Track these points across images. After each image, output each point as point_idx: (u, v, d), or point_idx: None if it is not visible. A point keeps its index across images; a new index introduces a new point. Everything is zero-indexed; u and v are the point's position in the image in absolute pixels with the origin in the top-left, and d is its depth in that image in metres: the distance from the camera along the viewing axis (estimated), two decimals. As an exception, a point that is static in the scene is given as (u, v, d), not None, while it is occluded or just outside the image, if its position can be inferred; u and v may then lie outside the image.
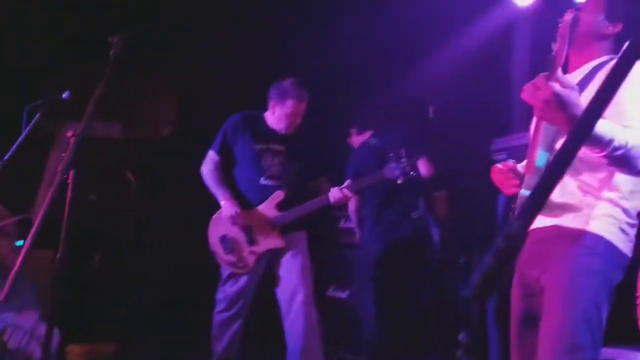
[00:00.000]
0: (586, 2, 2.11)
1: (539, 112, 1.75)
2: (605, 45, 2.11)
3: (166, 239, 4.63)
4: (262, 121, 3.65)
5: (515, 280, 2.18)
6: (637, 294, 2.98)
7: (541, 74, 1.76)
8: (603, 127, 1.72)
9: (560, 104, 1.68)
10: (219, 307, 3.55)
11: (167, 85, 4.89)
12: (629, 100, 1.88)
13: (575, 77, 2.09)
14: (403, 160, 3.32)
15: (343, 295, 4.75)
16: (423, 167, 4.20)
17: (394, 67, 5.00)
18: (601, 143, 1.73)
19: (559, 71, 1.79)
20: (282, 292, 3.52)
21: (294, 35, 4.79)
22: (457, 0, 4.76)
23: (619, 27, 2.08)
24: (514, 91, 5.03)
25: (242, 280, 3.51)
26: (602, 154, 1.76)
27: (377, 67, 5.06)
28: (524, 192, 2.05)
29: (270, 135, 3.60)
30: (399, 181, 3.36)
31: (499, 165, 2.20)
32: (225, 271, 3.56)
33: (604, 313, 1.96)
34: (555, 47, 1.92)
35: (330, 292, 4.83)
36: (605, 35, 2.10)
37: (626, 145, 1.74)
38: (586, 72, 2.08)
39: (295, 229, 3.57)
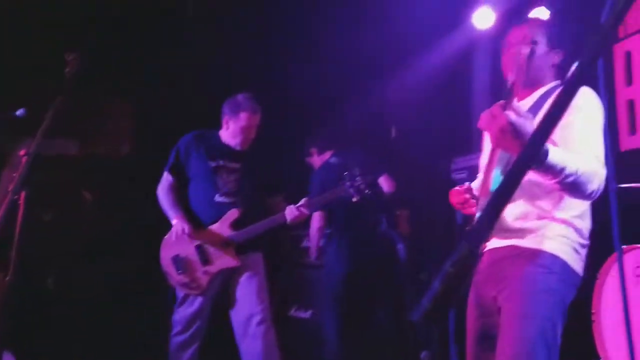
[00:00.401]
0: (533, 33, 2.16)
1: (494, 140, 1.80)
2: (552, 72, 2.20)
3: (123, 258, 4.54)
4: (216, 138, 3.62)
5: (472, 300, 2.20)
6: (592, 311, 3.05)
7: (498, 103, 1.81)
8: (555, 155, 1.77)
9: (515, 132, 1.72)
10: (175, 329, 3.47)
11: (125, 102, 4.81)
12: (577, 126, 1.95)
13: (525, 104, 2.15)
14: (358, 178, 3.32)
15: (305, 315, 4.71)
16: (385, 184, 4.24)
17: (356, 86, 5.04)
18: (554, 171, 1.78)
19: (515, 100, 1.84)
20: (238, 314, 3.46)
21: (252, 54, 4.80)
22: (419, 23, 4.85)
23: (561, 54, 2.18)
24: (474, 111, 5.14)
25: (198, 301, 3.43)
26: (554, 180, 1.81)
27: (339, 86, 5.09)
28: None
29: (225, 152, 3.56)
30: (354, 199, 3.36)
31: (457, 188, 2.24)
32: (180, 293, 3.49)
33: (559, 330, 2.00)
34: (511, 78, 1.98)
35: (293, 312, 4.79)
36: (553, 64, 2.19)
37: (577, 172, 1.80)
38: (535, 98, 2.15)
39: (252, 250, 3.52)
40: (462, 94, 4.85)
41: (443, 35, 4.98)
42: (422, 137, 4.79)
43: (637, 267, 2.80)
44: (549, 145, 1.77)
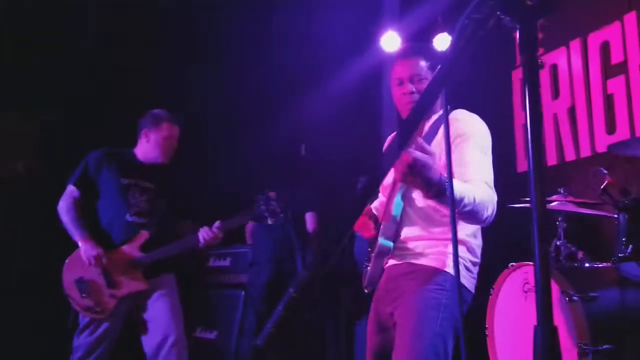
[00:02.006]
0: (418, 69, 2.21)
1: (398, 174, 1.84)
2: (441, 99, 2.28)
3: (23, 281, 4.29)
4: (130, 156, 3.50)
5: (371, 317, 2.26)
6: (486, 325, 3.17)
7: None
8: (454, 187, 1.84)
9: (418, 168, 1.78)
10: (76, 354, 3.29)
11: (23, 119, 4.57)
12: (469, 154, 2.04)
13: (419, 130, 2.23)
14: (273, 202, 3.28)
15: (211, 336, 4.60)
16: (310, 222, 4.27)
17: (269, 107, 5.07)
18: (454, 203, 1.85)
19: (419, 138, 1.89)
20: (151, 336, 3.32)
21: (163, 73, 4.72)
22: (330, 45, 4.96)
23: None
24: (382, 130, 5.27)
25: (103, 326, 3.28)
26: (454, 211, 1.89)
27: (251, 107, 5.10)
28: (383, 241, 2.15)
29: (139, 170, 3.45)
30: (269, 222, 3.32)
31: None
32: (85, 318, 3.33)
33: (450, 345, 2.07)
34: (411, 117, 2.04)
35: (198, 333, 4.68)
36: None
37: (474, 201, 1.88)
38: (428, 127, 2.23)
39: (163, 271, 3.42)
40: (371, 114, 4.97)
41: (354, 57, 5.10)
42: (331, 155, 4.86)
43: (526, 283, 2.94)
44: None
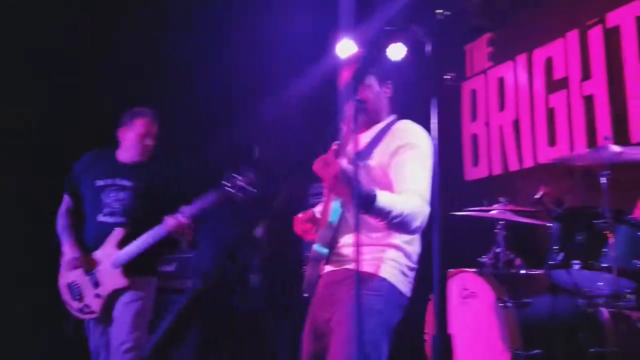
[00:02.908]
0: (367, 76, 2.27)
1: (327, 185, 1.90)
2: (387, 105, 2.34)
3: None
4: (111, 156, 3.46)
5: (307, 323, 2.26)
6: (425, 330, 3.25)
7: (332, 149, 1.90)
8: (382, 199, 1.91)
9: (346, 180, 1.83)
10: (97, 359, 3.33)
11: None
12: (408, 165, 2.10)
13: (366, 136, 2.28)
14: (238, 179, 3.15)
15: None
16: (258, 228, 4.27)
17: (228, 109, 5.07)
18: (382, 213, 1.93)
19: (349, 148, 1.93)
20: (113, 336, 3.28)
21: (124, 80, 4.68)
22: (288, 51, 5.00)
23: (391, 86, 2.33)
24: (337, 136, 5.32)
25: (97, 330, 3.30)
26: (383, 222, 1.94)
27: (211, 109, 5.09)
28: (317, 247, 2.18)
29: (117, 169, 3.39)
30: (239, 198, 3.19)
31: (300, 215, 2.31)
32: (87, 322, 3.35)
33: (385, 350, 2.11)
34: (344, 129, 2.09)
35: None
36: (387, 97, 2.33)
37: (402, 213, 1.94)
38: (376, 132, 2.28)
39: (142, 273, 3.34)
40: (326, 119, 5.00)
41: (310, 63, 5.14)
42: (285, 159, 4.89)
43: (463, 289, 3.03)
44: (377, 191, 1.91)
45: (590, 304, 2.79)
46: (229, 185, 3.15)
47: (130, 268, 3.27)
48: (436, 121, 1.00)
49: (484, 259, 3.43)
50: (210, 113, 5.14)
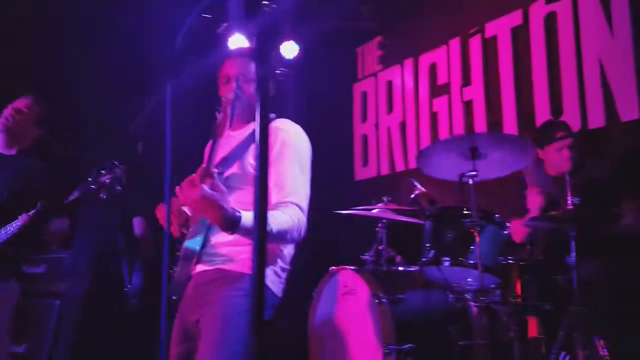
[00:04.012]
0: (240, 71, 2.22)
1: (189, 204, 1.86)
2: None
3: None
4: None
5: (176, 325, 2.18)
6: (308, 328, 3.27)
7: (199, 170, 1.84)
8: (247, 221, 1.87)
9: (208, 205, 1.80)
10: None
11: None
12: (287, 168, 2.08)
13: (240, 134, 2.24)
14: (103, 175, 3.04)
15: (19, 349, 4.20)
16: (137, 227, 4.10)
17: (111, 107, 4.86)
18: (248, 234, 1.89)
19: (215, 173, 1.88)
20: None
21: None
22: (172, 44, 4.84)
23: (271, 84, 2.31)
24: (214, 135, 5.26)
25: None
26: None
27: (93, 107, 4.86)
28: (188, 244, 2.11)
29: None
30: (101, 195, 3.04)
31: (163, 204, 2.22)
32: None
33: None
34: (219, 117, 2.04)
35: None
36: None
37: (271, 232, 1.92)
38: (249, 131, 2.24)
39: (3, 277, 3.13)
40: (215, 117, 4.92)
41: (202, 58, 5.03)
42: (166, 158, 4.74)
43: (344, 286, 3.08)
44: (242, 213, 1.88)
45: (459, 298, 2.93)
46: (92, 181, 3.01)
47: None
48: (259, 118, 0.98)
49: (366, 256, 3.50)
50: (92, 110, 4.91)
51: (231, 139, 2.25)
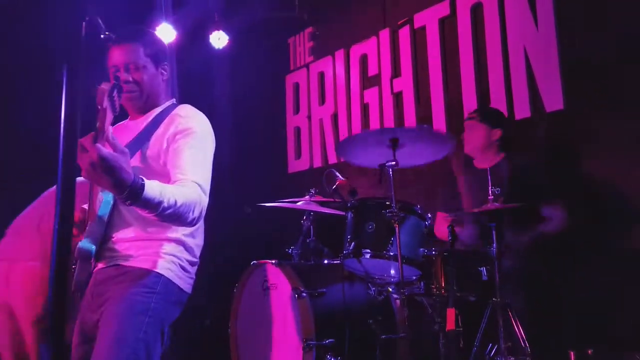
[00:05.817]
0: (136, 57, 2.08)
1: (85, 173, 1.64)
2: (165, 89, 2.19)
3: None
4: None
5: (77, 326, 2.05)
6: (229, 324, 3.16)
7: (90, 134, 1.66)
8: (152, 189, 1.72)
9: (107, 168, 1.61)
10: None
11: None
12: (186, 153, 1.95)
13: (138, 124, 2.11)
14: None
15: None
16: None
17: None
18: (151, 205, 1.74)
19: (110, 132, 1.71)
20: None
21: None
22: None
23: (168, 68, 2.19)
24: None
25: None
26: (152, 214, 1.77)
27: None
28: (83, 245, 1.96)
29: None
30: None
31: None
32: None
33: (157, 350, 1.96)
34: (99, 111, 1.82)
35: None
36: (163, 80, 2.18)
37: (175, 204, 1.78)
38: (153, 116, 2.11)
39: None
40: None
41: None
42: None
43: (265, 280, 2.98)
44: (145, 181, 1.72)
45: (380, 291, 2.87)
46: None
47: None
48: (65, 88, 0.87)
49: (293, 249, 3.42)
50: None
51: (128, 130, 2.12)
